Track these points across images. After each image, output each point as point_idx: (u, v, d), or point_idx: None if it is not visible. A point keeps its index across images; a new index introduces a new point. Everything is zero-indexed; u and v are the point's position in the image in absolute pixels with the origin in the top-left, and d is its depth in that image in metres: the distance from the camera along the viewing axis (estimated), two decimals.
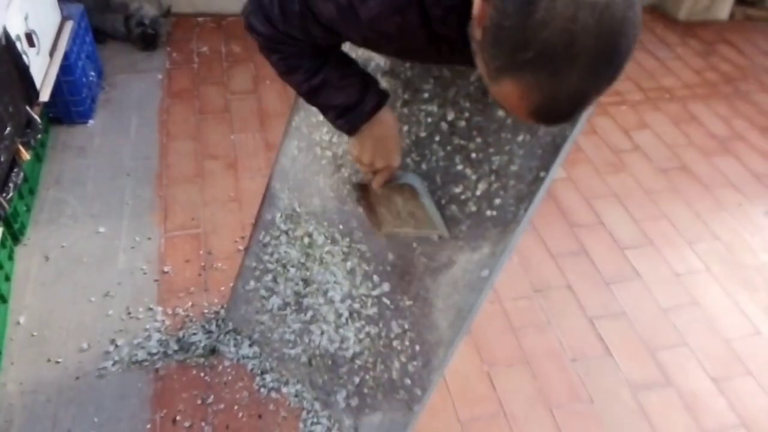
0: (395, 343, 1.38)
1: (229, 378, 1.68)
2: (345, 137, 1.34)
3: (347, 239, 1.41)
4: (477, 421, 1.65)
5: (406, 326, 1.35)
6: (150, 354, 1.70)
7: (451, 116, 1.15)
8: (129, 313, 1.81)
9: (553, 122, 0.74)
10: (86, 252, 1.99)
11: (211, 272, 1.96)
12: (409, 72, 1.17)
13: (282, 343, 1.65)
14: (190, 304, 1.86)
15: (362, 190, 1.27)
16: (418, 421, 1.51)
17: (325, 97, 1.05)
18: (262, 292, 1.66)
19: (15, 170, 1.78)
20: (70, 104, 2.45)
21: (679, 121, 2.85)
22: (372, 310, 1.41)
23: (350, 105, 1.05)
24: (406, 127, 1.21)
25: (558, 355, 1.83)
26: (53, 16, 2.32)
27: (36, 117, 1.96)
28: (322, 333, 1.55)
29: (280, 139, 1.49)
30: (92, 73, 2.61)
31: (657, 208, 2.37)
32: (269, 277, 1.63)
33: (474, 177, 1.15)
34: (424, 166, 1.21)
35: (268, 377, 1.68)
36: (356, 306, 1.44)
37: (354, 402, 1.52)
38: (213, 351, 1.73)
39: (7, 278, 1.84)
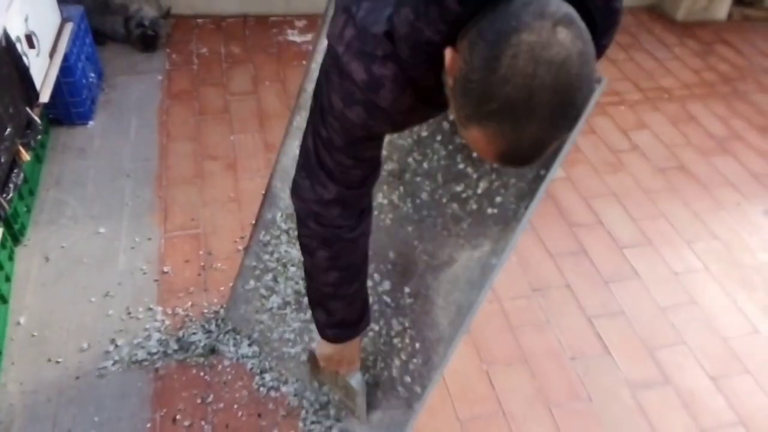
0: (395, 340, 1.38)
1: (229, 377, 1.68)
2: None
3: None
4: (476, 420, 1.66)
5: (407, 324, 1.35)
6: (150, 354, 1.71)
7: (453, 116, 1.16)
8: (129, 313, 1.82)
9: (517, 165, 0.79)
10: (86, 252, 1.99)
11: (211, 272, 1.97)
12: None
13: (281, 342, 1.66)
14: (189, 303, 1.86)
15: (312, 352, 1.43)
16: (418, 420, 1.52)
17: (334, 307, 1.16)
18: (262, 291, 1.67)
19: (15, 171, 1.78)
20: (70, 105, 2.46)
21: (678, 121, 2.86)
22: (373, 308, 1.41)
23: (347, 322, 1.20)
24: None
25: (557, 354, 1.84)
26: (53, 17, 2.33)
27: (36, 118, 1.96)
28: None
29: (280, 139, 1.50)
30: (92, 75, 2.61)
31: (655, 207, 2.38)
32: (269, 276, 1.63)
33: (475, 175, 1.16)
34: (425, 165, 1.22)
35: (267, 376, 1.68)
36: None
37: (352, 402, 1.53)
38: (213, 351, 1.73)
39: (8, 279, 1.84)
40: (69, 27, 2.41)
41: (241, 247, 2.04)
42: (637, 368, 1.83)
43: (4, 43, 1.78)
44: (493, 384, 1.74)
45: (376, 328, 1.42)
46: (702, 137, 2.77)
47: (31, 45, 2.02)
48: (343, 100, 0.92)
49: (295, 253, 1.55)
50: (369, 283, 1.40)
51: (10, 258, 1.90)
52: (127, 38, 2.94)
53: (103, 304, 1.84)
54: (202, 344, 1.74)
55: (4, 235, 1.81)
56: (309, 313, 1.55)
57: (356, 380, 1.37)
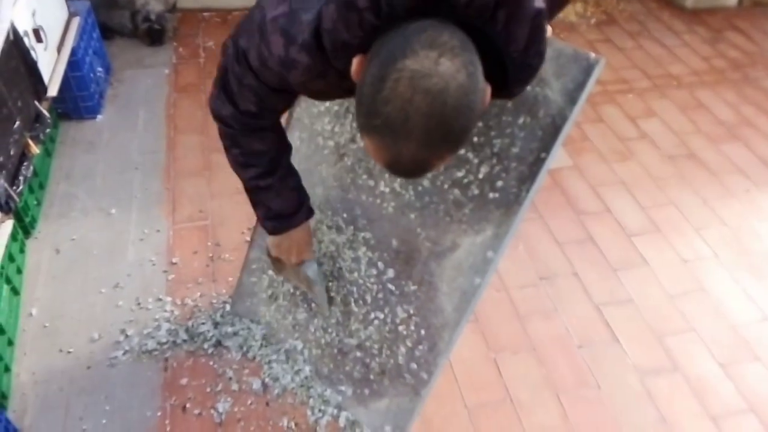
0: (401, 328, 1.39)
1: (237, 367, 1.70)
2: (347, 127, 1.35)
3: (351, 227, 1.42)
4: (484, 407, 1.66)
5: (411, 311, 1.36)
6: (160, 343, 1.72)
7: None
8: (139, 304, 1.84)
9: (403, 176, 0.86)
10: (96, 245, 2.01)
11: (219, 263, 1.98)
12: None
13: (288, 333, 1.67)
14: (198, 294, 1.88)
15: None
16: (425, 408, 1.53)
17: (265, 198, 1.22)
18: (267, 283, 1.67)
19: (25, 164, 1.80)
20: (79, 100, 2.48)
21: (687, 108, 2.83)
22: (377, 297, 1.42)
23: (283, 213, 1.24)
24: None
25: (565, 341, 1.84)
26: (60, 12, 2.34)
27: (44, 111, 1.98)
28: (327, 322, 1.56)
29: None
30: (100, 69, 2.63)
31: (664, 195, 2.36)
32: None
33: (476, 160, 1.16)
34: None
35: (275, 366, 1.69)
36: (361, 293, 1.45)
37: (360, 388, 1.54)
38: (218, 344, 1.74)
39: (19, 271, 1.87)
40: (76, 21, 2.42)
41: (248, 238, 2.05)
42: (645, 355, 1.82)
43: (12, 37, 1.80)
44: (501, 371, 1.75)
45: (381, 316, 1.43)
46: (711, 124, 2.74)
47: (38, 39, 2.03)
48: (259, 60, 0.98)
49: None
50: (374, 271, 1.40)
51: (22, 250, 1.93)
52: (134, 32, 2.96)
53: (113, 295, 1.86)
54: (210, 334, 1.75)
55: (15, 227, 1.83)
56: (314, 305, 1.57)
57: (312, 270, 1.40)
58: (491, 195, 1.16)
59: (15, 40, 1.82)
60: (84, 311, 1.81)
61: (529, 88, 1.03)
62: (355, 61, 0.84)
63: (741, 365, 1.82)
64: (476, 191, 1.18)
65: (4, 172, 1.66)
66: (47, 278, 1.90)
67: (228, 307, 1.82)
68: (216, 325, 1.78)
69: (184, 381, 1.65)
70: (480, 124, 1.14)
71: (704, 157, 2.56)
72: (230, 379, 1.67)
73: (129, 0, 2.93)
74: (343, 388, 1.58)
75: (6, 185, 1.65)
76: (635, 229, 2.21)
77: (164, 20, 2.95)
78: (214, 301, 1.86)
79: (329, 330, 1.56)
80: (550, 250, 2.11)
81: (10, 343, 1.67)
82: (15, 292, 1.80)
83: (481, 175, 1.17)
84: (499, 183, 1.14)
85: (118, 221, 2.10)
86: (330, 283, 1.51)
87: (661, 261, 2.10)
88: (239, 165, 1.19)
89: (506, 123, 1.10)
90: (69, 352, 1.70)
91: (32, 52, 1.95)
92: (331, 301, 1.50)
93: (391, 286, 1.39)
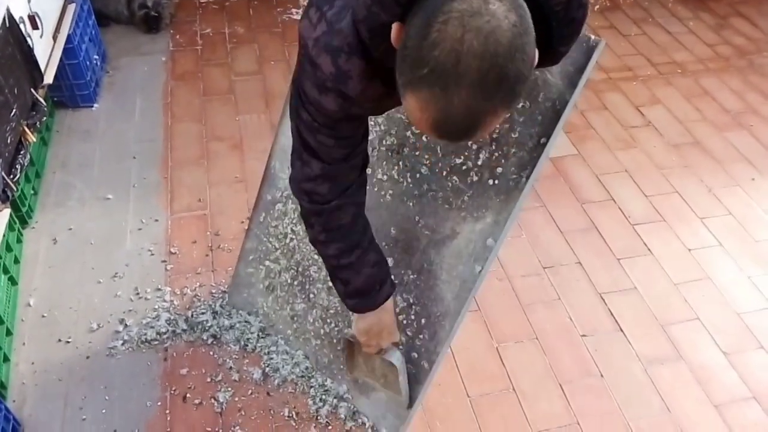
0: (401, 317, 1.37)
1: (237, 356, 1.68)
2: None
3: None
4: (487, 396, 1.65)
5: (411, 300, 1.34)
6: (159, 333, 1.71)
7: None
8: (137, 294, 1.82)
9: (452, 138, 0.79)
10: (94, 234, 1.99)
11: (218, 253, 1.96)
12: None
13: (286, 324, 1.65)
14: (197, 284, 1.86)
15: (348, 340, 1.41)
16: (428, 398, 1.51)
17: (347, 276, 1.17)
18: (264, 274, 1.65)
19: (22, 152, 1.78)
20: (75, 88, 2.45)
21: (692, 95, 2.80)
22: None
23: (365, 291, 1.19)
24: None
25: (568, 330, 1.82)
26: None
27: (41, 99, 1.95)
28: (326, 312, 1.54)
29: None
30: (96, 57, 2.60)
31: (669, 183, 2.34)
32: (271, 258, 1.62)
33: (474, 146, 1.14)
34: (424, 138, 1.20)
35: (275, 357, 1.67)
36: None
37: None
38: (215, 338, 1.72)
39: (17, 261, 1.85)
40: (72, 8, 2.39)
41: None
42: (649, 344, 1.81)
43: (7, 23, 1.76)
44: (504, 361, 1.73)
45: None
46: (716, 112, 2.71)
47: (34, 26, 2.00)
48: (316, 88, 0.95)
49: (298, 232, 1.53)
50: None
51: (19, 240, 1.90)
52: (130, 19, 2.92)
53: (112, 284, 1.84)
54: (209, 324, 1.74)
55: (11, 217, 1.81)
56: (312, 294, 1.55)
57: (396, 358, 1.33)
58: (491, 182, 1.14)
59: (11, 27, 1.79)
60: (82, 301, 1.79)
61: None
62: (395, 28, 0.80)
63: (745, 354, 1.80)
64: (475, 178, 1.16)
65: (1, 160, 1.63)
66: (45, 268, 1.88)
67: (227, 298, 1.81)
68: (215, 314, 1.77)
69: (184, 371, 1.64)
70: None
71: (709, 145, 2.53)
72: (230, 368, 1.65)
73: None
74: (343, 378, 1.56)
75: (3, 174, 1.63)
76: (639, 218, 2.19)
77: (161, 7, 2.91)
78: (214, 290, 1.84)
79: (328, 320, 1.54)
80: (553, 238, 2.09)
81: (9, 333, 1.65)
82: (13, 281, 1.78)
83: (480, 162, 1.14)
84: (499, 169, 1.12)
85: (116, 210, 2.08)
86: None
87: (665, 250, 2.08)
88: (321, 243, 1.15)
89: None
90: (68, 342, 1.69)
91: (28, 39, 1.91)
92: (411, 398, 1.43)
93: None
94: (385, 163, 1.29)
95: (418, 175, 1.25)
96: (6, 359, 1.60)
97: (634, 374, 1.73)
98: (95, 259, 1.91)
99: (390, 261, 1.35)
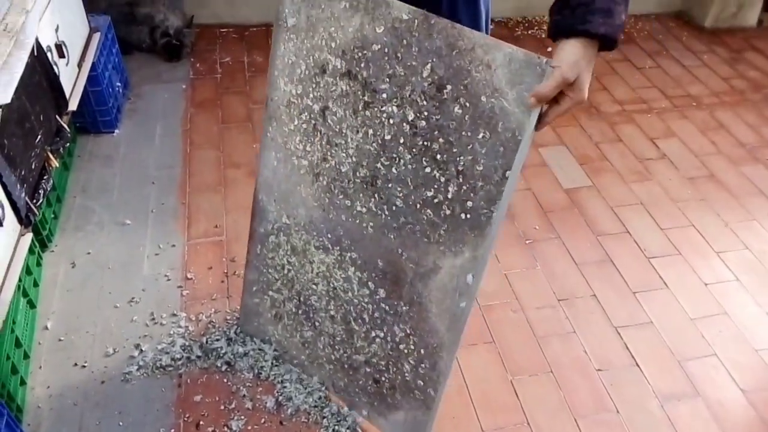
0: (401, 346, 1.37)
1: (251, 384, 1.68)
2: (317, 146, 1.32)
3: (337, 248, 1.39)
4: (501, 430, 1.63)
5: (408, 330, 1.34)
6: (174, 359, 1.71)
7: (411, 116, 1.13)
8: (153, 319, 1.83)
9: None
10: (112, 259, 2.01)
11: (234, 279, 1.97)
12: (365, 72, 1.15)
13: (299, 350, 1.65)
14: (213, 310, 1.87)
15: None
16: (442, 430, 1.50)
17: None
18: (269, 303, 1.66)
19: (45, 177, 1.81)
20: (97, 114, 2.50)
21: (707, 129, 2.80)
22: (374, 315, 1.40)
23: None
24: (371, 131, 1.20)
25: (583, 364, 1.80)
26: (82, 27, 2.37)
27: (65, 126, 2.00)
28: (333, 339, 1.54)
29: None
30: (118, 84, 2.66)
31: (684, 217, 2.33)
32: (274, 288, 1.62)
33: (443, 179, 1.13)
34: (394, 170, 1.19)
35: (288, 386, 1.67)
36: (359, 312, 1.43)
37: (377, 401, 1.52)
38: (229, 365, 1.72)
39: (36, 284, 1.87)
40: (97, 37, 2.45)
41: None
42: (665, 380, 1.78)
43: (35, 52, 1.82)
44: (518, 394, 1.72)
45: (381, 334, 1.41)
46: (732, 146, 2.71)
47: (61, 55, 2.06)
48: None
49: (293, 265, 1.53)
50: (366, 291, 1.39)
51: (38, 263, 1.93)
52: (152, 48, 2.99)
53: (128, 309, 1.86)
54: (224, 351, 1.74)
55: (32, 240, 1.84)
56: (317, 323, 1.56)
57: None
58: (463, 216, 1.13)
59: (38, 56, 1.84)
60: (99, 325, 1.80)
61: (484, 99, 1.00)
62: None
63: (764, 391, 1.77)
64: (448, 211, 1.15)
65: (25, 185, 1.66)
66: (63, 292, 1.90)
67: (240, 327, 1.81)
68: (230, 341, 1.77)
69: (197, 398, 1.64)
70: (441, 139, 1.11)
71: (725, 179, 2.52)
72: (244, 396, 1.65)
73: (148, 15, 2.97)
74: (359, 401, 1.56)
75: (26, 199, 1.66)
76: (655, 251, 2.18)
77: (182, 36, 2.98)
78: (228, 317, 1.85)
79: (336, 347, 1.55)
80: (568, 271, 2.08)
81: (26, 356, 1.67)
82: (31, 305, 1.80)
83: (450, 195, 1.14)
84: (469, 203, 1.11)
85: (134, 235, 2.10)
86: (328, 301, 1.50)
87: (681, 284, 2.07)
88: None
89: (466, 138, 1.07)
90: (83, 366, 1.70)
91: (55, 67, 1.97)
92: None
93: (384, 306, 1.37)
94: (362, 195, 1.28)
95: (394, 208, 1.24)
96: (23, 382, 1.61)
97: (651, 410, 1.71)
98: (113, 283, 1.93)
99: (382, 292, 1.36)
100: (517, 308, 1.94)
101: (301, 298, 1.56)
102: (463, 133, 1.07)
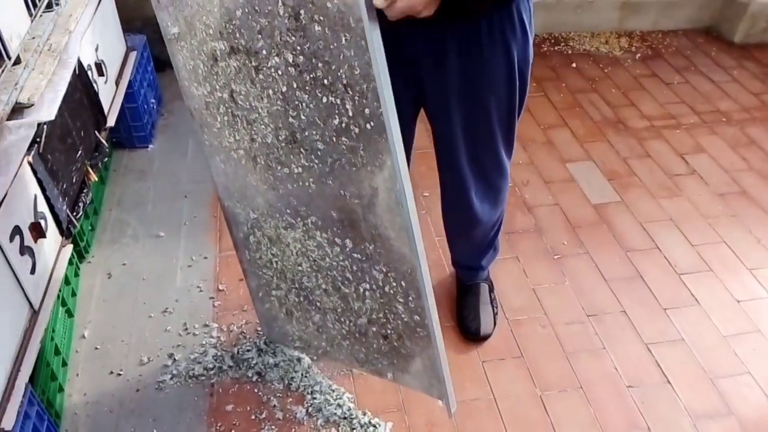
0: (386, 288, 1.37)
1: (281, 395, 1.70)
2: (242, 131, 1.33)
3: (299, 219, 1.41)
4: None
5: (384, 269, 1.34)
6: (206, 369, 1.74)
7: (290, 57, 1.14)
8: (186, 329, 1.87)
9: None
10: (146, 270, 2.06)
11: None
12: (242, 40, 1.18)
13: (317, 338, 1.64)
14: (243, 321, 1.90)
15: None
16: None
17: None
18: (277, 303, 1.66)
19: (84, 191, 1.87)
20: (132, 130, 2.57)
21: (737, 145, 2.77)
22: (354, 270, 1.40)
23: None
24: (270, 91, 1.21)
25: (614, 381, 1.79)
26: (119, 46, 2.45)
27: (103, 141, 2.07)
28: (336, 313, 1.55)
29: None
30: (153, 100, 2.74)
31: (715, 233, 2.31)
32: (273, 287, 1.64)
33: (338, 100, 1.14)
34: (303, 117, 1.20)
35: (318, 397, 1.69)
36: (341, 273, 1.44)
37: (395, 358, 1.50)
38: (260, 375, 1.75)
39: (74, 294, 1.93)
40: (133, 56, 2.54)
41: None
42: (698, 398, 1.76)
43: (77, 71, 1.89)
44: (548, 410, 1.71)
45: (367, 285, 1.40)
46: (763, 162, 2.68)
47: (100, 73, 2.13)
48: None
49: (277, 257, 1.54)
50: (336, 249, 1.39)
51: (76, 274, 1.99)
52: None
53: (162, 319, 1.90)
54: (254, 362, 1.77)
55: (71, 252, 1.89)
56: (318, 303, 1.56)
57: None
58: (368, 126, 1.13)
59: (80, 74, 1.92)
60: (134, 335, 1.85)
61: (329, 5, 1.02)
62: None
63: None
64: (356, 129, 1.15)
65: (66, 198, 1.72)
66: (99, 301, 1.95)
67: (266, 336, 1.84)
68: (260, 352, 1.80)
69: (229, 407, 1.67)
70: (320, 64, 1.12)
71: (757, 196, 2.49)
72: (274, 407, 1.67)
73: None
74: (382, 366, 1.54)
75: (67, 211, 1.72)
76: (685, 267, 2.16)
77: None
78: (259, 328, 1.88)
79: (342, 319, 1.54)
80: (597, 286, 2.07)
81: (64, 363, 1.72)
82: (69, 314, 1.85)
83: (350, 112, 1.13)
84: (367, 110, 1.11)
85: (168, 247, 2.15)
86: (316, 276, 1.50)
87: (713, 301, 2.04)
88: None
89: (336, 50, 1.08)
90: (119, 375, 1.74)
91: (95, 85, 2.04)
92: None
93: (356, 255, 1.37)
94: (292, 156, 1.30)
95: (319, 152, 1.25)
96: (61, 389, 1.66)
97: (683, 429, 1.68)
98: (147, 294, 1.98)
99: (349, 242, 1.36)
100: (545, 323, 1.94)
101: (297, 285, 1.58)
102: (332, 46, 1.08)
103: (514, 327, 1.93)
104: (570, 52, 3.42)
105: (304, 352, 1.74)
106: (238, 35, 1.19)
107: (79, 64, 1.92)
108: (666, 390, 1.78)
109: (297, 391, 1.71)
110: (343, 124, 1.18)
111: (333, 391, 1.70)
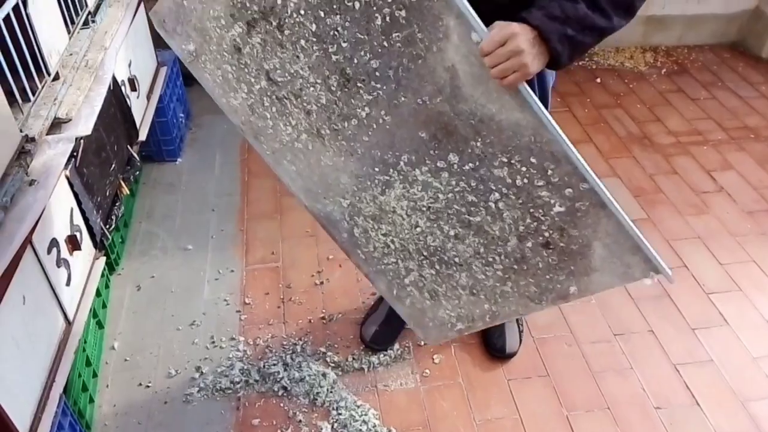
0: (518, 181, 1.15)
1: (307, 410, 1.71)
2: (293, 110, 1.24)
3: (391, 170, 1.25)
4: None
5: (504, 158, 1.13)
6: (233, 382, 1.76)
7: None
8: (213, 342, 1.89)
9: None
10: (174, 282, 2.09)
11: (290, 305, 2.02)
12: (254, 5, 1.12)
13: (478, 303, 1.40)
14: (269, 335, 1.92)
15: None
16: None
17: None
18: (416, 292, 1.46)
19: (117, 204, 1.91)
20: (162, 144, 2.62)
21: (766, 161, 2.74)
22: (473, 185, 1.20)
23: None
24: (302, 42, 1.14)
25: (641, 401, 1.77)
26: (151, 62, 2.51)
27: (135, 155, 2.11)
28: (481, 257, 1.31)
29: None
30: (181, 115, 2.78)
31: (744, 251, 2.27)
32: (403, 274, 1.44)
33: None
34: (344, 43, 1.11)
35: (344, 412, 1.70)
36: (462, 199, 1.23)
37: (569, 266, 1.23)
38: (286, 389, 1.76)
39: (104, 305, 1.96)
40: (164, 71, 2.59)
41: (318, 281, 2.10)
42: (728, 420, 1.73)
43: (112, 86, 1.93)
44: (574, 430, 1.69)
45: (497, 195, 1.19)
46: None
47: (133, 88, 2.18)
48: None
49: (387, 230, 1.36)
50: (445, 174, 1.21)
51: (107, 286, 2.02)
52: None
53: (190, 332, 1.92)
54: (280, 376, 1.78)
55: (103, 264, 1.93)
56: (456, 256, 1.33)
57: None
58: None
59: (114, 90, 1.96)
60: (162, 347, 1.87)
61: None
62: None
63: None
64: (402, 11, 1.04)
65: (100, 211, 1.76)
66: (129, 313, 1.98)
67: (297, 349, 1.85)
68: (286, 366, 1.81)
69: (255, 421, 1.68)
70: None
71: None
72: (300, 422, 1.68)
73: None
74: (561, 284, 1.26)
75: (101, 224, 1.75)
76: (714, 286, 2.13)
77: None
78: (285, 342, 1.89)
79: (491, 259, 1.30)
80: (624, 305, 2.05)
81: (95, 374, 1.74)
82: (100, 325, 1.88)
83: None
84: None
85: (195, 260, 2.18)
86: (439, 227, 1.29)
87: (742, 321, 2.01)
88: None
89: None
90: (147, 387, 1.76)
91: (128, 100, 2.09)
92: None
93: (468, 165, 1.17)
94: (352, 100, 1.18)
95: (377, 73, 1.12)
96: (91, 400, 1.69)
97: None
98: (175, 306, 2.01)
99: (453, 157, 1.18)
100: (571, 342, 1.93)
101: (425, 253, 1.36)
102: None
103: (540, 345, 1.91)
104: (594, 67, 3.42)
105: (471, 330, 1.46)
106: (248, 4, 1.13)
107: (114, 79, 1.96)
108: (695, 412, 1.75)
109: (322, 407, 1.72)
110: (387, 17, 1.06)
111: (358, 407, 1.71)
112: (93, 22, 1.96)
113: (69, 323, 1.54)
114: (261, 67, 1.22)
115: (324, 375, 1.78)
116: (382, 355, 1.85)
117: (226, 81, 1.29)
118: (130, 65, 2.20)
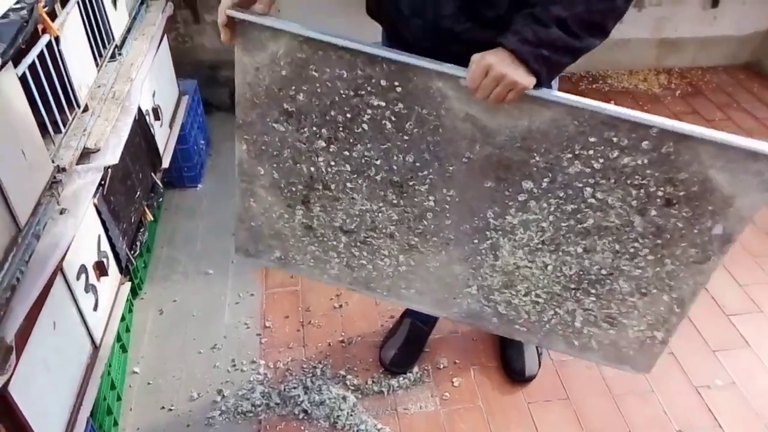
0: (594, 164, 1.13)
1: None
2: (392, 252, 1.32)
3: (487, 233, 1.25)
4: None
5: (570, 153, 1.12)
6: (254, 405, 1.78)
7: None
8: (234, 365, 1.91)
9: None
10: (196, 306, 2.13)
11: (309, 328, 2.04)
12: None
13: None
14: (290, 358, 1.94)
15: None
16: None
17: None
18: (576, 324, 1.40)
19: (141, 230, 1.96)
20: (183, 170, 2.68)
21: None
22: (562, 195, 1.19)
23: None
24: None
25: (663, 425, 1.76)
26: (173, 91, 2.58)
27: (158, 182, 2.16)
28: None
29: None
30: (202, 142, 2.85)
31: (764, 272, 2.26)
32: (566, 321, 1.39)
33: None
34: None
35: None
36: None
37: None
38: (307, 413, 1.77)
39: (128, 329, 2.00)
40: (185, 100, 2.66)
41: (337, 305, 2.12)
42: None
43: (137, 116, 2.00)
44: None
45: (592, 181, 1.17)
46: None
47: (157, 117, 2.25)
48: None
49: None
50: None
51: (130, 310, 2.06)
52: (232, 107, 3.19)
53: (211, 355, 1.95)
54: (301, 399, 1.80)
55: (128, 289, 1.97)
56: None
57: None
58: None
59: (139, 119, 2.02)
60: (184, 370, 1.90)
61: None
62: None
63: None
64: (402, 107, 1.15)
65: (126, 238, 1.81)
66: (151, 337, 2.02)
67: (317, 373, 1.87)
68: (306, 390, 1.83)
69: None
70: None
71: None
72: None
73: (229, 78, 3.18)
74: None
75: (126, 250, 1.80)
76: (735, 308, 2.11)
77: None
78: (305, 365, 1.91)
79: (638, 248, 1.25)
80: None
81: (119, 398, 1.77)
82: (123, 349, 1.92)
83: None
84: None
85: (216, 284, 2.22)
86: (581, 243, 1.25)
87: (764, 343, 1.99)
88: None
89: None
90: (170, 410, 1.78)
91: (151, 129, 2.15)
92: None
93: (549, 178, 1.16)
94: (415, 199, 1.24)
95: (418, 166, 1.21)
96: (115, 423, 1.71)
97: None
98: (196, 330, 2.04)
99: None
100: (591, 364, 1.92)
101: (572, 286, 1.32)
102: None
103: (560, 368, 1.91)
104: (608, 89, 3.44)
105: (672, 333, 1.46)
106: (293, 187, 1.30)
107: (139, 109, 2.03)
108: None
109: (343, 430, 1.73)
110: (392, 117, 1.15)
111: (378, 430, 1.72)
112: (119, 54, 2.03)
113: (96, 347, 1.58)
114: (333, 228, 1.31)
115: (344, 398, 1.79)
116: (401, 378, 1.86)
117: (317, 259, 1.37)
118: (154, 95, 2.27)
